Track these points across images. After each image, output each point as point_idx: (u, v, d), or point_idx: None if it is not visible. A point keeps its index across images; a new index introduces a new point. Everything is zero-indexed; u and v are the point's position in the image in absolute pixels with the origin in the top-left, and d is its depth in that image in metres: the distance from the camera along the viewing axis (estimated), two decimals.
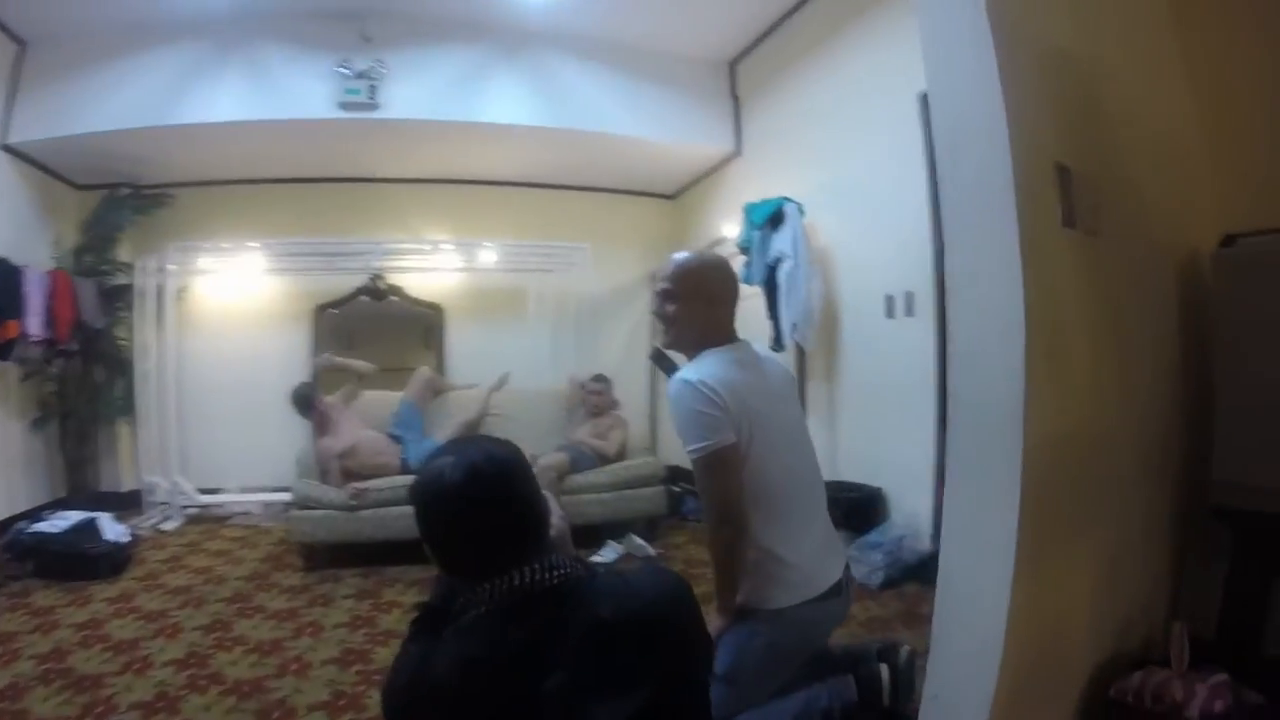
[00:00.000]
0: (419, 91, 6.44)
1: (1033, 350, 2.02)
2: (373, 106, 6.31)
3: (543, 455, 6.00)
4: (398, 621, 4.49)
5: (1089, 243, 2.39)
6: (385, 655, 3.94)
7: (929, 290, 4.78)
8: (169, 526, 6.58)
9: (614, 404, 6.76)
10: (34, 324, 5.97)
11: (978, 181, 2.17)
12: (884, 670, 2.68)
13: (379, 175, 7.89)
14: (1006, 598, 2.05)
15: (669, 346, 2.64)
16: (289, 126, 6.45)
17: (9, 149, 6.27)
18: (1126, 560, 2.70)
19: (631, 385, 7.32)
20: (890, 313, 5.21)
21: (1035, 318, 2.03)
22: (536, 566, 1.43)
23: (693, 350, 2.51)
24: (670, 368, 2.71)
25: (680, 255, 2.62)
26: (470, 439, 1.59)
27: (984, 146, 2.11)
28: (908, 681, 2.72)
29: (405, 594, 5.01)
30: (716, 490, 2.30)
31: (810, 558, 2.42)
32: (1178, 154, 3.04)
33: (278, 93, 6.29)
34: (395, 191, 8.03)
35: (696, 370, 2.34)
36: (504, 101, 6.63)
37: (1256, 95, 3.05)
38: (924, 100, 4.51)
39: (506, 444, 1.57)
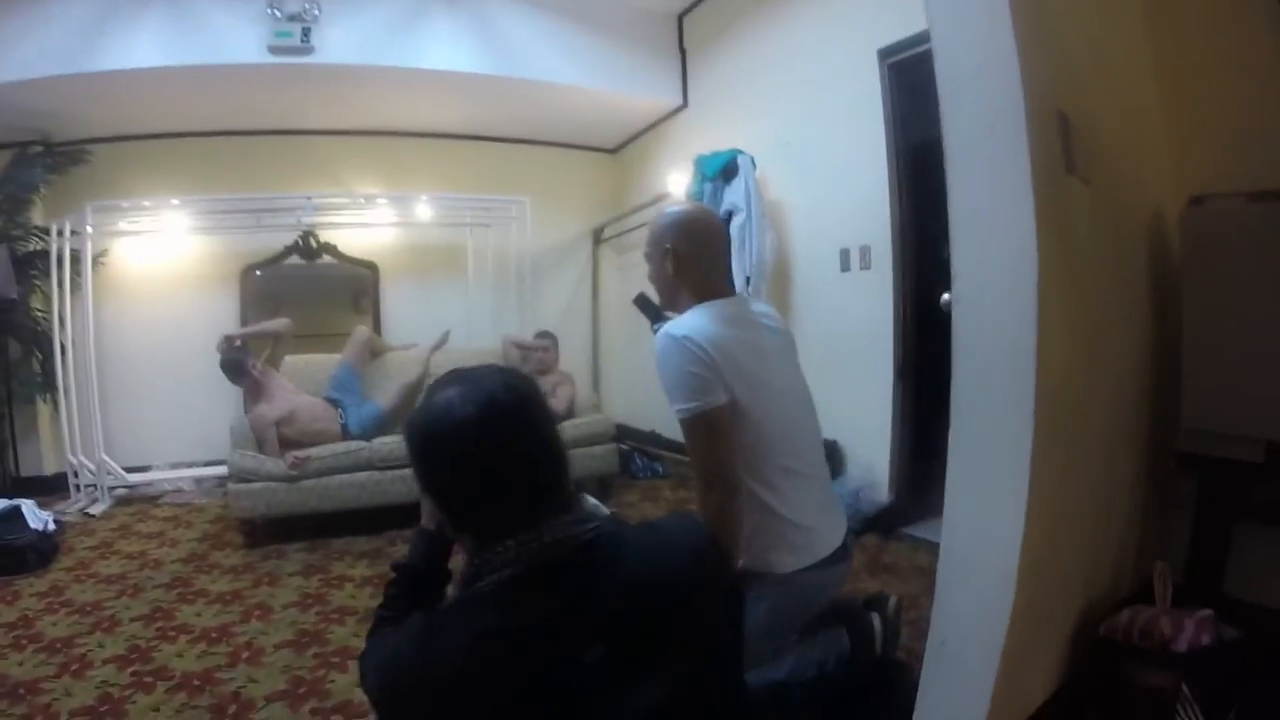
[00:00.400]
0: (354, 35, 6.04)
1: (1045, 294, 1.98)
2: (305, 51, 5.91)
3: None
4: (350, 597, 4.33)
5: (1085, 191, 2.40)
6: (342, 634, 3.78)
7: (886, 244, 4.79)
8: (97, 510, 6.18)
9: (556, 362, 6.58)
10: None
11: (985, 123, 2.12)
12: (875, 620, 2.63)
13: (310, 126, 7.48)
14: (1018, 544, 2.03)
15: (664, 308, 2.54)
16: (214, 73, 5.99)
17: None
18: (1106, 504, 2.78)
19: (574, 344, 7.16)
20: (845, 266, 5.21)
21: (1047, 259, 1.99)
22: (567, 519, 1.25)
23: (684, 309, 2.39)
24: (655, 314, 2.68)
25: (656, 216, 2.52)
26: (475, 368, 1.36)
27: (992, 87, 2.07)
28: (895, 630, 2.71)
29: (355, 567, 4.80)
30: (705, 452, 2.18)
31: (814, 520, 2.35)
32: (1142, 112, 3.11)
33: (202, 36, 5.80)
34: (326, 144, 7.63)
35: (685, 325, 2.22)
36: (443, 48, 6.30)
37: (1217, 61, 3.10)
38: (884, 56, 4.68)
39: (518, 372, 1.39)
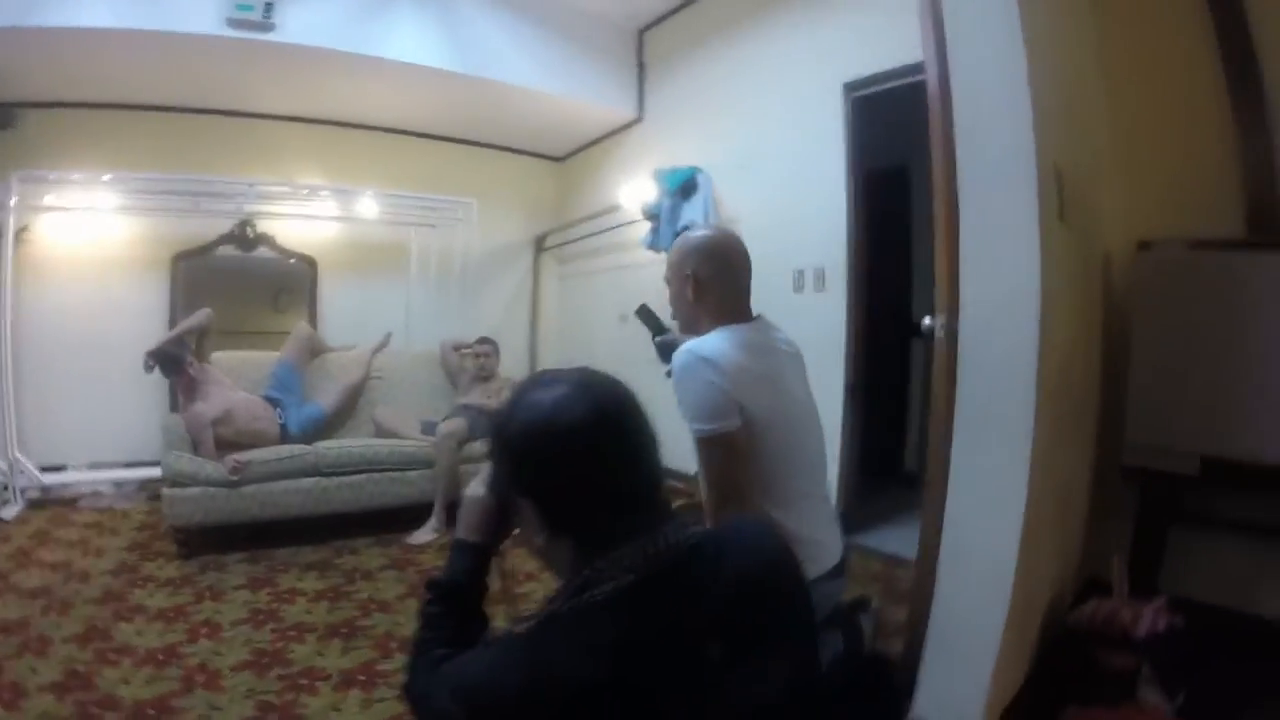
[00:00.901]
0: (317, 17, 5.72)
1: (1045, 322, 2.31)
2: (266, 27, 5.55)
3: (439, 422, 5.65)
4: (306, 613, 4.01)
5: (1068, 235, 2.71)
6: (305, 653, 3.50)
7: (841, 266, 4.92)
8: (9, 514, 5.59)
9: (497, 367, 6.36)
10: None
11: (1000, 174, 2.42)
12: (864, 621, 2.73)
13: (259, 108, 7.03)
14: (1017, 539, 2.30)
15: (684, 332, 2.50)
16: (166, 41, 5.50)
17: None
18: (1065, 509, 3.11)
19: (512, 351, 6.91)
20: (799, 287, 5.27)
21: (1046, 293, 2.31)
22: (675, 524, 1.19)
23: (703, 332, 2.35)
24: (658, 327, 2.72)
25: (677, 239, 2.53)
26: (569, 369, 1.29)
27: (1005, 143, 2.38)
28: (875, 629, 3.00)
29: (304, 579, 4.47)
30: (721, 471, 2.18)
31: (822, 534, 2.36)
32: (1096, 160, 3.43)
33: (157, 1, 5.35)
34: (272, 128, 7.19)
35: (708, 347, 2.20)
36: (406, 39, 6.06)
37: (1164, 114, 3.52)
38: (850, 89, 4.88)
39: (607, 374, 1.31)
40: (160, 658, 3.43)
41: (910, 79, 4.24)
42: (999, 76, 2.38)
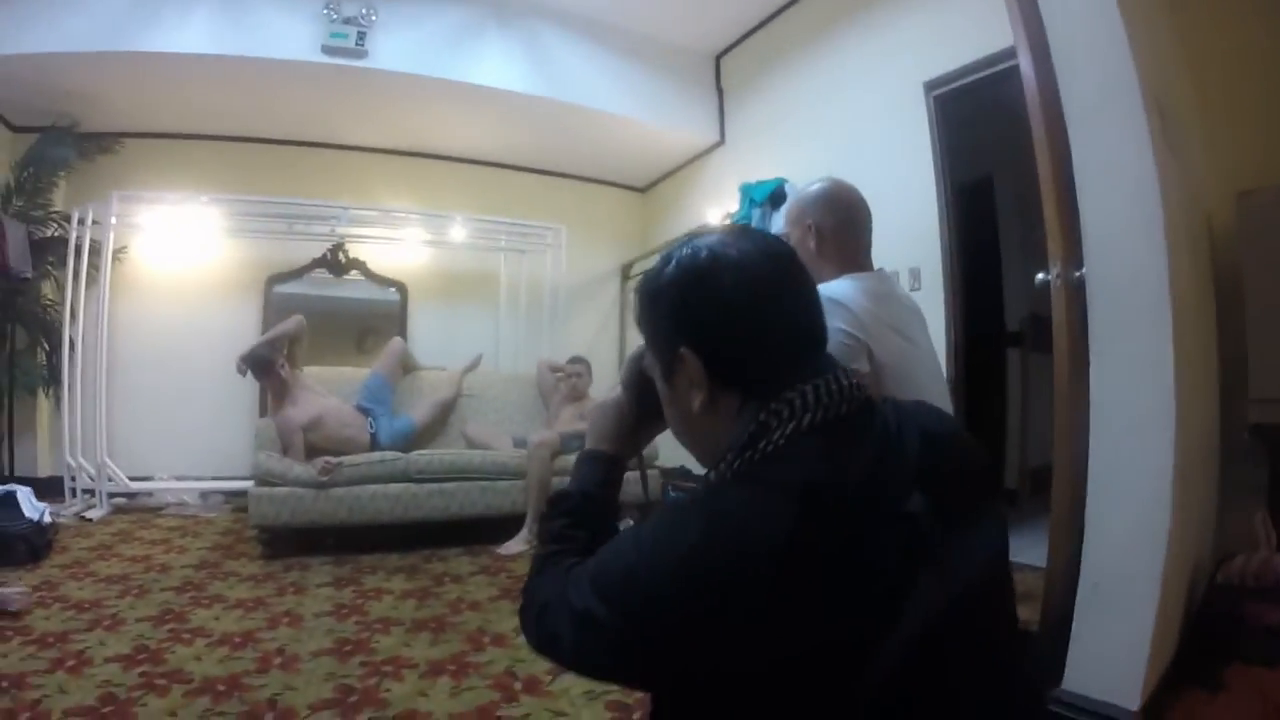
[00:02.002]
0: (407, 44, 5.77)
1: (1172, 243, 2.17)
2: (359, 54, 5.59)
3: (532, 434, 5.35)
4: (392, 609, 3.65)
5: (1177, 167, 2.48)
6: (390, 644, 3.17)
7: (936, 267, 4.62)
8: (94, 515, 5.41)
9: (589, 387, 6.07)
10: None
11: (1100, 101, 2.31)
12: None
13: (350, 137, 7.03)
14: (1170, 468, 2.11)
15: None
16: (263, 69, 5.59)
17: None
18: (1205, 460, 2.76)
19: (599, 379, 6.51)
20: None
21: (1170, 206, 2.19)
22: (845, 370, 1.00)
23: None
24: None
25: (796, 192, 2.46)
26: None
27: (1110, 69, 2.27)
28: None
29: (391, 580, 4.13)
30: None
31: None
32: (1186, 111, 3.10)
33: (256, 29, 5.44)
34: (362, 160, 7.18)
35: (837, 290, 2.04)
36: (493, 65, 6.07)
37: (1243, 73, 3.19)
38: (930, 89, 4.65)
39: None
40: (236, 640, 3.17)
41: (989, 70, 4.11)
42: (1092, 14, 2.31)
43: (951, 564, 0.90)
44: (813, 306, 1.06)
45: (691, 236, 1.10)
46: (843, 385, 0.97)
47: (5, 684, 2.65)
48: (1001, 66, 3.90)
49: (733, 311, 1.01)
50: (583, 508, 1.22)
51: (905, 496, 0.90)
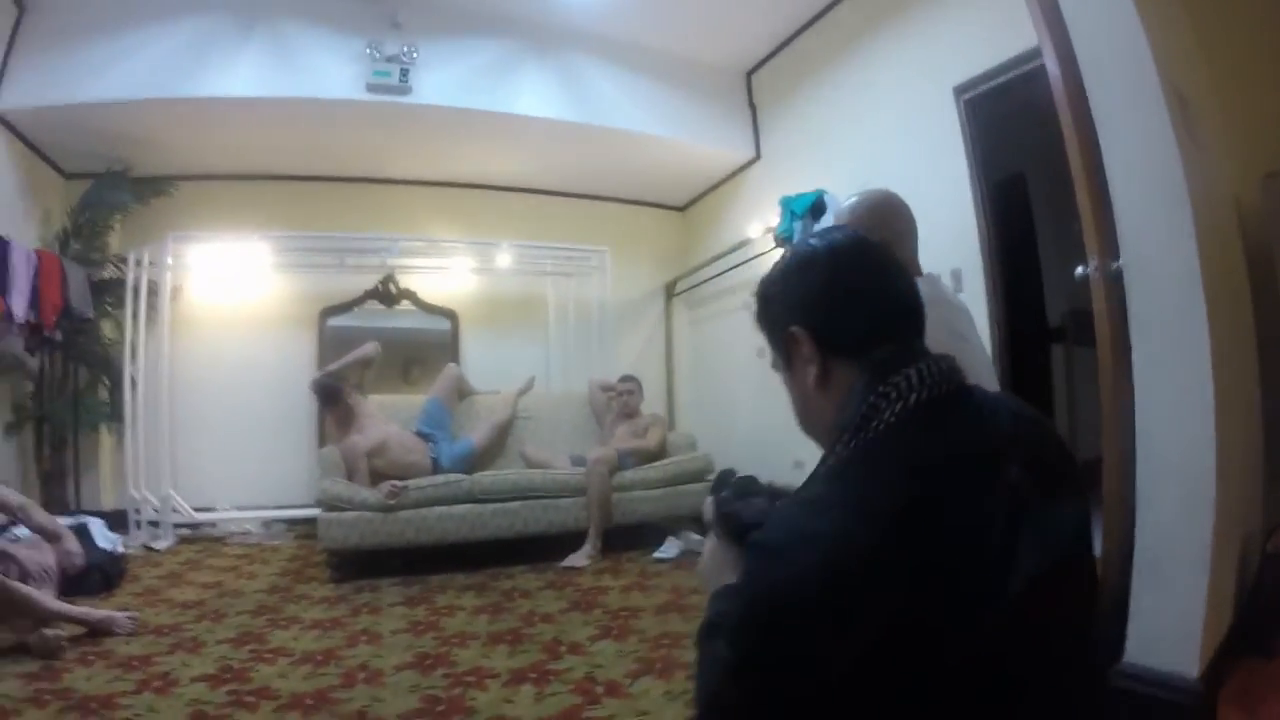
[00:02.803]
0: (448, 79, 5.80)
1: (1200, 223, 2.17)
2: (403, 90, 5.61)
3: (589, 452, 5.35)
4: (467, 623, 3.63)
5: (1200, 156, 2.46)
6: (469, 656, 3.14)
7: (976, 269, 4.55)
8: (160, 545, 5.41)
9: (641, 403, 6.06)
10: (19, 304, 4.77)
11: (1127, 94, 2.31)
12: None
13: (397, 172, 7.05)
14: (1213, 441, 2.10)
15: None
16: (310, 109, 5.64)
17: None
18: (1248, 435, 2.68)
19: (649, 393, 6.53)
20: None
21: (1196, 194, 2.17)
22: (942, 355, 1.09)
23: None
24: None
25: (846, 204, 2.46)
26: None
27: (1130, 65, 2.28)
28: None
29: (462, 598, 4.07)
30: None
31: None
32: (1203, 98, 3.00)
33: (302, 71, 5.49)
34: (410, 192, 7.20)
35: None
36: (532, 95, 6.06)
37: (1263, 54, 3.10)
38: (959, 93, 4.58)
39: None
40: (318, 658, 3.15)
41: (1016, 71, 4.06)
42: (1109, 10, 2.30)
43: (1049, 530, 0.95)
44: (902, 279, 1.14)
45: (796, 242, 1.27)
46: (943, 368, 1.05)
47: (94, 705, 2.60)
48: (1028, 67, 3.85)
49: (830, 286, 1.13)
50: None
51: (1004, 466, 0.97)
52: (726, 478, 1.51)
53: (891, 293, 1.13)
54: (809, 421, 1.20)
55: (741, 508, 1.29)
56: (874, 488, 0.94)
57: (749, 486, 1.43)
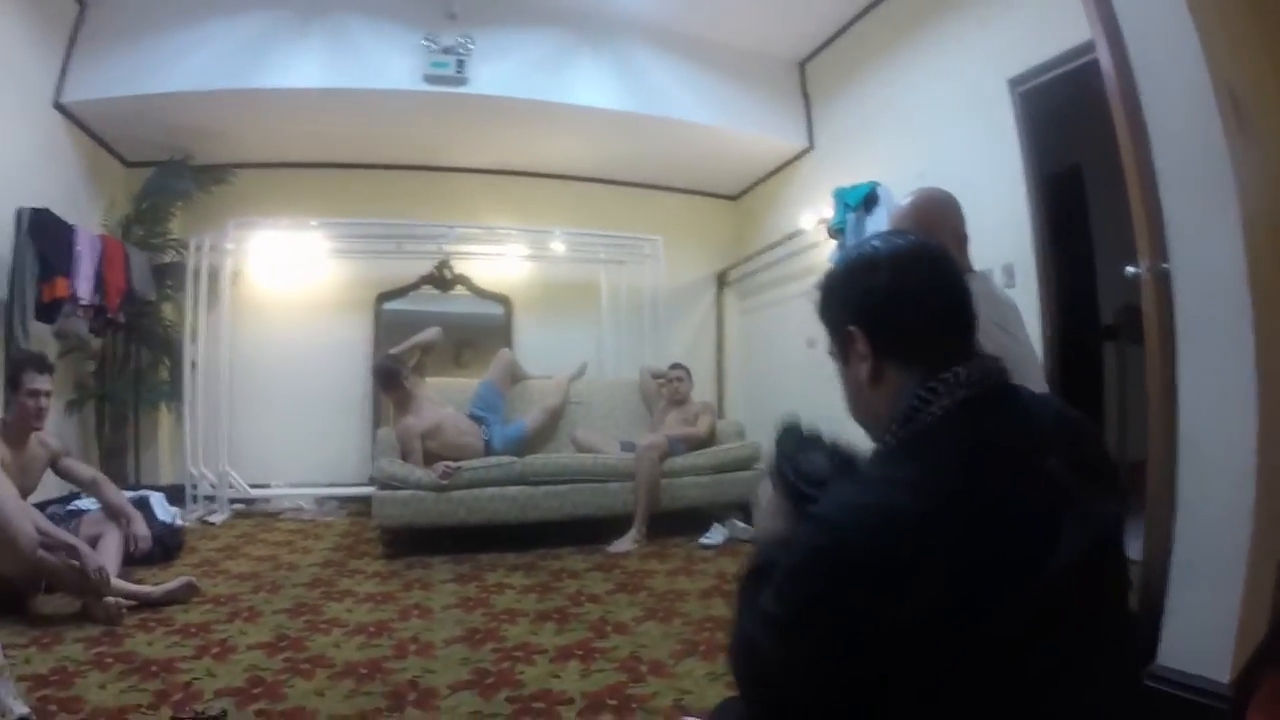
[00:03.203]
0: (504, 70, 5.83)
1: (1252, 223, 2.14)
2: (460, 81, 5.67)
3: (640, 438, 5.37)
4: (516, 600, 3.67)
5: (1254, 149, 2.39)
6: (518, 632, 3.20)
7: (1029, 264, 4.46)
8: (216, 519, 5.54)
9: (691, 391, 6.03)
10: (84, 288, 4.89)
11: (1177, 92, 2.30)
12: None
13: (453, 160, 7.12)
14: (1254, 442, 2.09)
15: None
16: (369, 99, 5.73)
17: (61, 109, 5.32)
18: None
19: (700, 381, 6.51)
20: None
21: (1246, 195, 2.14)
22: (989, 355, 1.14)
23: None
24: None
25: (896, 208, 2.53)
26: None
27: (1181, 63, 2.24)
28: None
29: (511, 576, 4.11)
30: None
31: None
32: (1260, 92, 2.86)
33: (361, 63, 5.59)
34: (466, 180, 7.24)
35: None
36: (586, 85, 6.07)
37: None
38: (1014, 85, 4.50)
39: None
40: (371, 630, 3.21)
41: (1071, 65, 3.94)
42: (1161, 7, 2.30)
43: (1089, 518, 0.97)
44: (957, 287, 1.17)
45: (860, 241, 1.30)
46: (988, 368, 1.10)
47: (155, 668, 2.68)
48: (1083, 60, 3.75)
49: (889, 291, 1.16)
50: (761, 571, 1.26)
51: (1044, 458, 1.01)
52: (791, 428, 1.53)
53: (946, 299, 1.17)
54: (860, 412, 1.24)
55: (801, 460, 1.32)
56: (919, 470, 1.00)
57: (810, 440, 1.45)
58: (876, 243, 1.23)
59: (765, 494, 1.39)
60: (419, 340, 5.52)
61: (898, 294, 1.16)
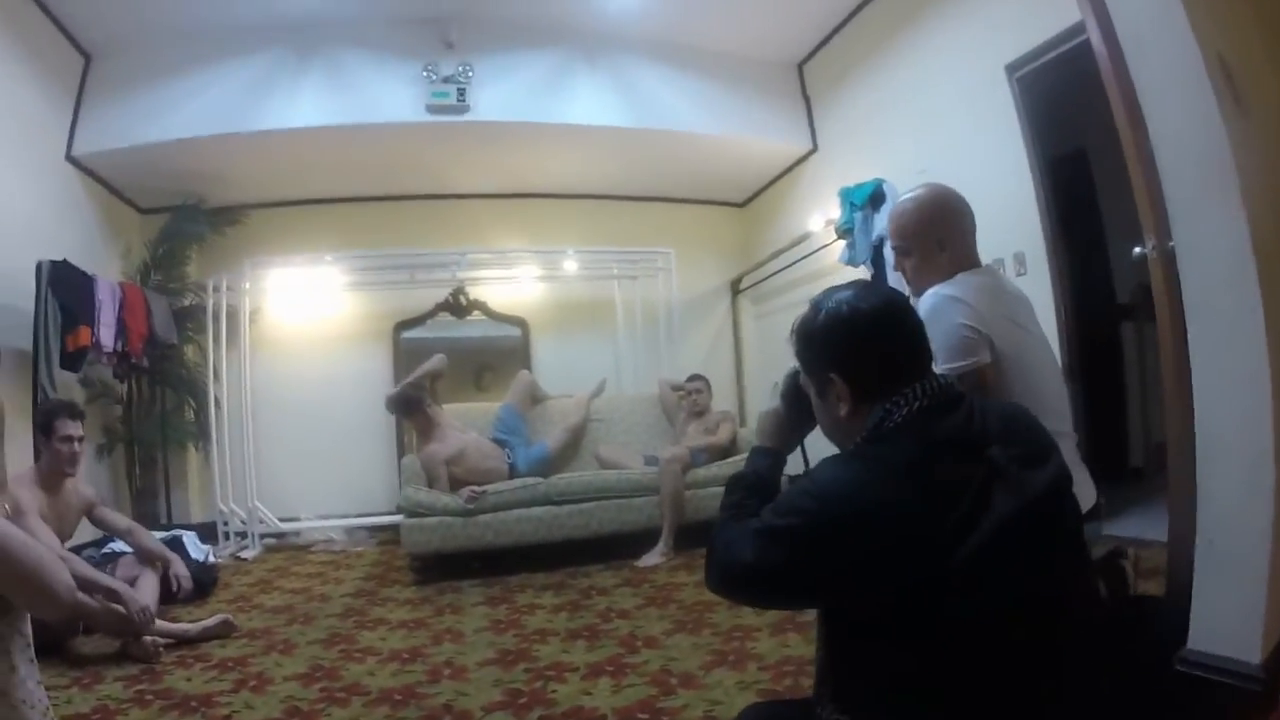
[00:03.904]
0: (504, 94, 5.93)
1: (1251, 196, 2.13)
2: (462, 109, 5.76)
3: (662, 451, 5.40)
4: (547, 620, 3.70)
5: (1249, 126, 2.37)
6: (549, 651, 3.22)
7: (1039, 251, 4.49)
8: (248, 555, 5.62)
9: (710, 401, 6.03)
10: (106, 335, 4.99)
11: (1168, 68, 2.31)
12: (1125, 565, 2.70)
13: (459, 188, 7.20)
14: (1269, 419, 2.07)
15: (918, 295, 2.36)
16: (371, 134, 5.84)
17: (74, 161, 5.45)
18: None
19: (719, 389, 6.51)
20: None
21: (1244, 169, 2.13)
22: (939, 375, 1.39)
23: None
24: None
25: (899, 206, 2.45)
26: (848, 283, 1.50)
27: (1169, 38, 2.24)
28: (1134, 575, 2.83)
29: (541, 597, 4.13)
30: None
31: (1074, 473, 2.02)
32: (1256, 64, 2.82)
33: (362, 97, 5.70)
34: (474, 206, 7.33)
35: (954, 288, 2.17)
36: (586, 103, 6.16)
37: None
38: (1011, 71, 4.53)
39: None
40: (405, 656, 3.26)
41: (1067, 45, 3.93)
42: None
43: (1020, 487, 1.21)
44: (920, 335, 1.41)
45: (830, 291, 1.44)
46: (939, 384, 1.34)
47: (194, 704, 2.73)
48: (1077, 41, 3.71)
49: (868, 348, 1.37)
50: (756, 485, 1.55)
51: (986, 447, 1.25)
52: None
53: (910, 346, 1.39)
54: (836, 436, 1.46)
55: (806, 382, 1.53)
56: (884, 452, 1.26)
57: None
58: (851, 300, 1.40)
59: (771, 410, 1.67)
60: (425, 370, 5.54)
61: (872, 348, 1.37)
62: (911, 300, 2.16)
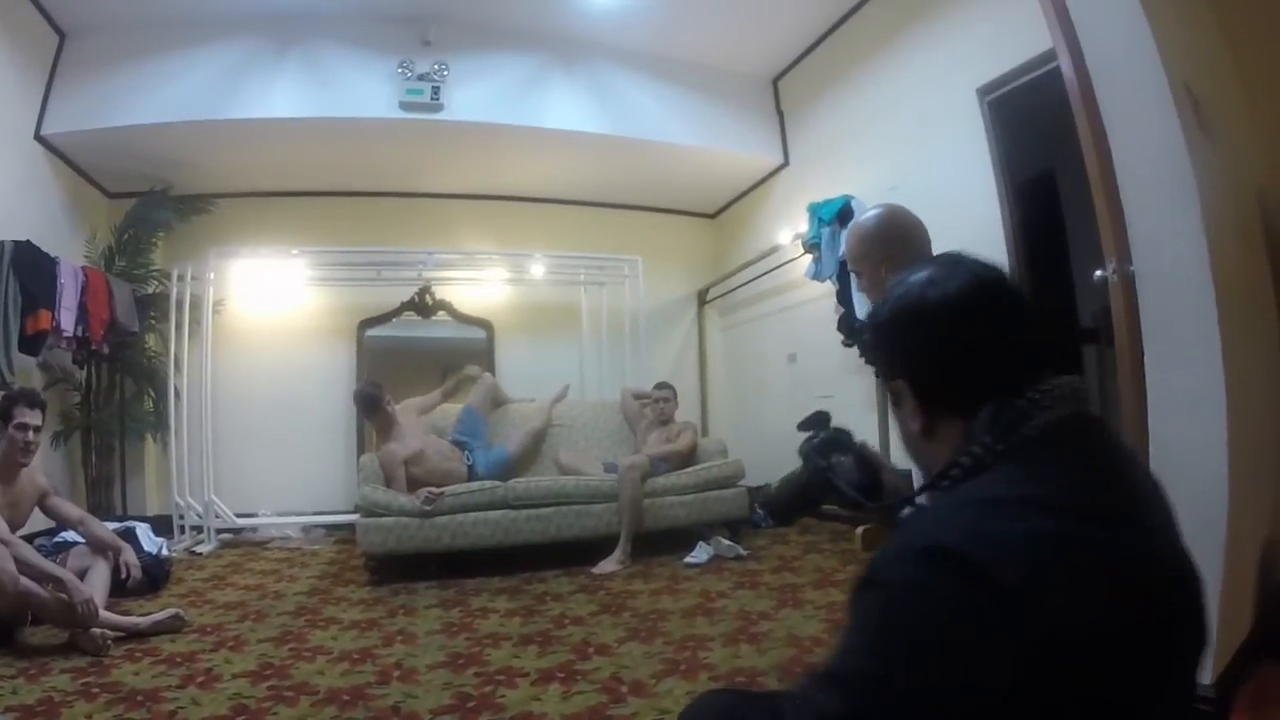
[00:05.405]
0: (479, 95, 5.98)
1: (1210, 228, 2.17)
2: (435, 108, 5.81)
3: (622, 459, 5.44)
4: (500, 625, 3.69)
5: (1214, 151, 2.48)
6: (501, 656, 3.23)
7: (1005, 269, 4.29)
8: (203, 550, 5.57)
9: (675, 410, 6.06)
10: (67, 319, 4.96)
11: (1135, 96, 2.35)
12: None
13: (430, 187, 7.23)
14: (1224, 444, 2.13)
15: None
16: (345, 128, 5.86)
17: (43, 141, 5.41)
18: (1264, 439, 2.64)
19: (684, 399, 6.49)
20: None
21: (1207, 193, 2.20)
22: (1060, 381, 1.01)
23: None
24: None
25: (849, 229, 2.43)
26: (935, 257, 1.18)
27: (1138, 66, 2.30)
28: None
29: (495, 600, 4.15)
30: None
31: None
32: (1225, 95, 3.00)
33: (337, 91, 5.72)
34: (443, 206, 7.35)
35: None
36: (561, 108, 6.22)
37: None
38: (983, 94, 4.62)
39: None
40: (355, 657, 3.26)
41: (1039, 71, 4.06)
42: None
43: (1158, 535, 1.00)
44: (1028, 325, 1.07)
45: (910, 272, 1.13)
46: (1065, 392, 0.99)
47: (141, 698, 2.73)
48: (1049, 67, 3.80)
49: (942, 349, 1.05)
50: None
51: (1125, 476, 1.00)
52: (820, 420, 1.60)
53: (1017, 344, 1.05)
54: (912, 455, 1.16)
55: (836, 466, 1.37)
56: (1042, 487, 0.90)
57: (840, 440, 1.52)
58: (926, 282, 1.08)
59: (789, 479, 1.52)
60: (464, 375, 6.00)
61: (949, 346, 1.05)
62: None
